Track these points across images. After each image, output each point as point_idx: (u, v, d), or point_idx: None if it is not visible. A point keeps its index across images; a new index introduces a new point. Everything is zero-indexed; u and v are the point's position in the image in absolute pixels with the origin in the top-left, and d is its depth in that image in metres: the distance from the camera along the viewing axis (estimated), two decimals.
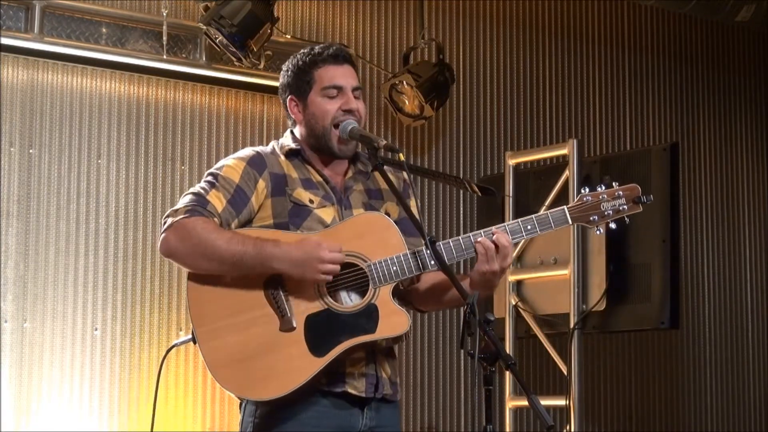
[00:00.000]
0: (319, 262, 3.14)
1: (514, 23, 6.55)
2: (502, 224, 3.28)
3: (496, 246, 3.22)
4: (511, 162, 5.84)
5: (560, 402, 5.44)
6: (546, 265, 5.58)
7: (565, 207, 3.30)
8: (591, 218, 3.31)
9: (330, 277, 3.17)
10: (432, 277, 3.39)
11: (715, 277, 7.17)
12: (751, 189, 7.42)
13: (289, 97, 3.41)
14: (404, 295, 3.37)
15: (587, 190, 3.32)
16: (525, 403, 4.89)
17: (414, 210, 3.38)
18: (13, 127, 5.06)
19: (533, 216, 3.29)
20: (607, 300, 5.39)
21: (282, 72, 3.45)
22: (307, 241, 3.17)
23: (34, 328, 5.01)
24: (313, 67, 3.37)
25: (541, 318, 5.64)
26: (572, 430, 5.38)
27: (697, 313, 7.05)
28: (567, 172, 5.54)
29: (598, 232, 3.36)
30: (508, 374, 5.52)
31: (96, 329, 5.14)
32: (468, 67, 6.37)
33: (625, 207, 3.33)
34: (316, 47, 3.42)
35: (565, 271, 5.46)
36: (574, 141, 5.59)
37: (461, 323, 2.97)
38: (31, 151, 5.09)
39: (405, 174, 3.46)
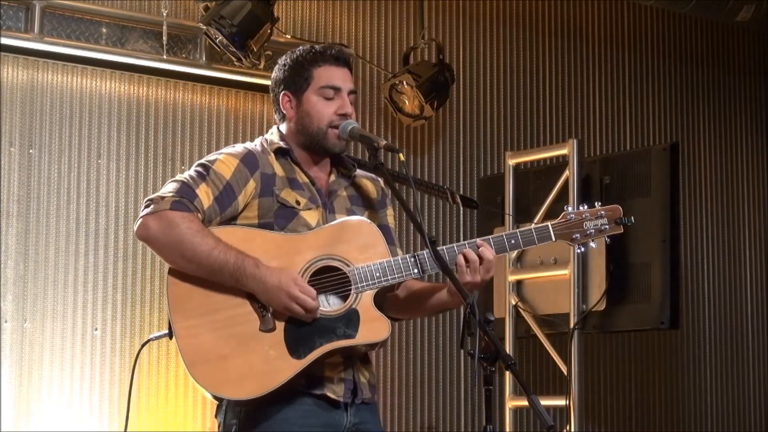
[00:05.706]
0: (288, 297, 3.12)
1: (514, 23, 6.55)
2: (487, 237, 3.29)
3: (481, 258, 3.22)
4: (511, 162, 5.84)
5: (560, 402, 5.44)
6: (546, 265, 5.58)
7: (549, 223, 3.34)
8: (574, 236, 3.36)
9: (289, 314, 3.14)
10: (412, 284, 3.39)
11: (715, 277, 7.17)
12: (751, 189, 7.42)
13: (283, 92, 3.36)
14: (380, 302, 3.32)
15: (571, 208, 3.38)
16: (525, 403, 4.88)
17: (390, 219, 3.45)
18: (13, 127, 5.06)
19: (518, 231, 3.32)
20: (607, 300, 5.39)
21: (278, 66, 3.40)
22: (286, 272, 3.15)
23: (34, 328, 5.01)
24: (313, 65, 3.34)
25: (541, 318, 5.64)
26: (572, 430, 5.38)
27: (697, 313, 7.05)
28: (567, 172, 5.54)
29: (579, 250, 3.42)
30: (508, 374, 5.52)
31: (96, 329, 5.14)
32: (468, 67, 6.37)
33: (607, 227, 3.37)
34: (317, 46, 3.39)
35: (565, 271, 5.46)
36: (574, 141, 5.59)
37: (461, 323, 2.96)
38: (31, 151, 5.09)
39: (405, 179, 3.46)
